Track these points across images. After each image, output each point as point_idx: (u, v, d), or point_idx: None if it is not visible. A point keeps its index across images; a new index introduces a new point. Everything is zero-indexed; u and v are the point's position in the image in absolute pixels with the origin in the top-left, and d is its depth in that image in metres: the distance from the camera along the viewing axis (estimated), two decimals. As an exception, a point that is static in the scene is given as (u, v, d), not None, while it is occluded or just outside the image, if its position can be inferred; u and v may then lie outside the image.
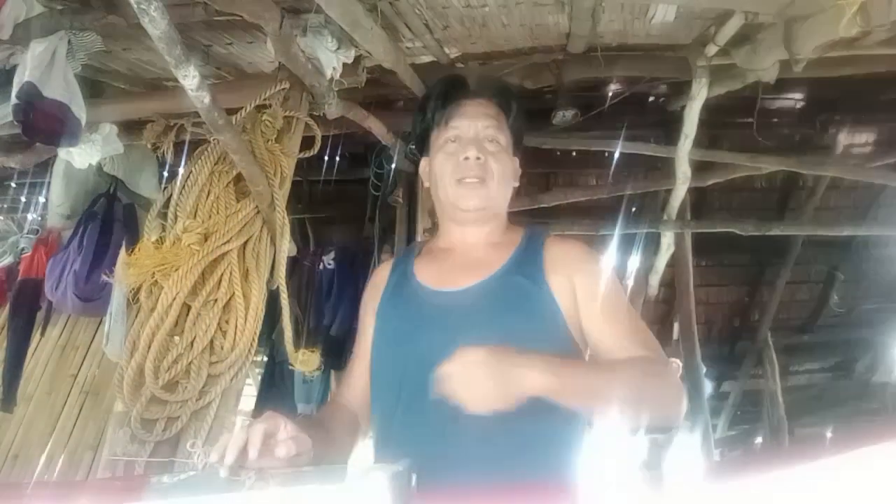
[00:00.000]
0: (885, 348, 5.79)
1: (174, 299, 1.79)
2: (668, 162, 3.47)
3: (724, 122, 3.77)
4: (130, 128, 2.92)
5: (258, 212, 2.00)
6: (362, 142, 3.42)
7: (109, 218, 3.14)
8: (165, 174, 3.25)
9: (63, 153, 2.92)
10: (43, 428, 3.15)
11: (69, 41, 2.16)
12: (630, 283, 4.27)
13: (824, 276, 5.35)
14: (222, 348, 1.88)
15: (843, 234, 4.20)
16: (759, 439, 6.12)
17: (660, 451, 3.67)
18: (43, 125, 2.11)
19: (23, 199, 4.08)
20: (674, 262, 4.09)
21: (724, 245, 4.67)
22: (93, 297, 2.93)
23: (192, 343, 1.82)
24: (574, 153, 4.24)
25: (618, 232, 3.81)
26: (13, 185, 4.00)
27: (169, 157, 2.67)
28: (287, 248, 2.06)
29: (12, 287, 3.24)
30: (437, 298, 1.21)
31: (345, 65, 2.37)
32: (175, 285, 1.79)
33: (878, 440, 0.44)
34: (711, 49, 2.61)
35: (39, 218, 3.62)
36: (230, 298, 1.89)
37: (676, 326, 4.43)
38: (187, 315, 1.84)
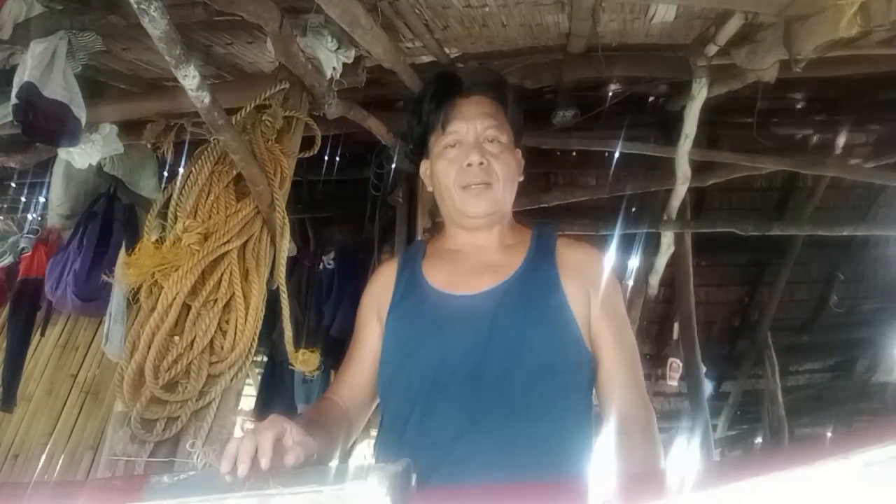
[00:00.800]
0: (885, 348, 5.79)
1: (174, 299, 1.79)
2: (668, 162, 3.47)
3: (724, 122, 3.77)
4: (130, 128, 2.92)
5: (258, 212, 1.99)
6: (362, 142, 3.42)
7: (109, 218, 3.15)
8: (165, 174, 3.26)
9: (63, 153, 2.93)
10: (43, 428, 3.15)
11: (69, 41, 2.16)
12: (630, 283, 4.27)
13: (824, 276, 5.35)
14: (222, 348, 1.88)
15: (843, 234, 4.20)
16: (759, 439, 6.12)
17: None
18: (43, 125, 2.11)
19: (23, 199, 4.08)
20: (674, 262, 4.09)
21: (724, 245, 4.67)
22: (93, 297, 2.93)
23: (192, 343, 1.82)
24: (574, 153, 4.24)
25: (618, 232, 3.81)
26: (13, 185, 4.01)
27: (169, 157, 2.68)
28: (287, 248, 2.06)
29: (12, 287, 3.24)
30: (452, 302, 1.19)
31: (345, 65, 2.37)
32: (175, 285, 1.79)
33: (879, 440, 0.44)
34: (711, 49, 2.61)
35: (39, 218, 3.62)
36: (230, 298, 1.88)
37: (676, 326, 4.44)
38: (187, 315, 1.84)
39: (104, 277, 2.48)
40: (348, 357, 1.29)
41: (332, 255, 3.96)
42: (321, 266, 3.94)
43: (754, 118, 3.23)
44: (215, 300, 1.86)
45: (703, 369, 4.00)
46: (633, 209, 4.22)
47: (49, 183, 3.36)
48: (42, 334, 3.27)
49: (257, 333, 1.94)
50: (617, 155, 3.65)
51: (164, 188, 2.04)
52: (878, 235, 4.95)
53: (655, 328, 5.45)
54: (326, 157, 3.16)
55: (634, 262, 4.26)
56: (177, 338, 1.82)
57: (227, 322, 1.89)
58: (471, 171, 1.22)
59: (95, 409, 3.18)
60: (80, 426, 3.15)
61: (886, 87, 3.37)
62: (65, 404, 3.21)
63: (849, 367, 6.14)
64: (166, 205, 1.96)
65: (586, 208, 4.35)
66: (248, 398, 4.91)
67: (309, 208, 4.33)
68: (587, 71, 2.87)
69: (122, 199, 3.25)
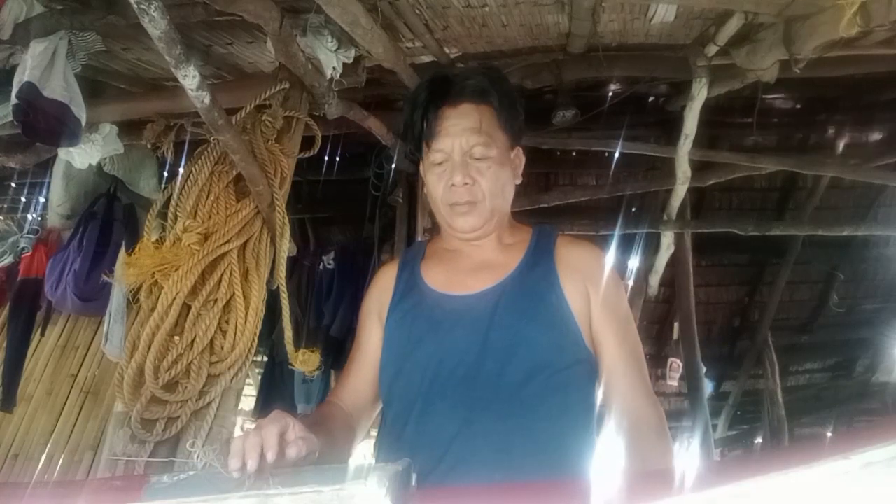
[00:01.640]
0: (885, 348, 5.79)
1: (174, 299, 1.79)
2: (668, 162, 3.47)
3: (724, 122, 3.77)
4: (130, 128, 2.92)
5: (258, 212, 1.99)
6: (362, 142, 3.42)
7: (109, 218, 3.14)
8: (165, 174, 3.26)
9: (63, 153, 2.93)
10: (43, 428, 3.15)
11: (69, 41, 2.16)
12: (630, 283, 4.27)
13: (824, 276, 5.35)
14: (222, 348, 1.88)
15: (843, 234, 4.19)
16: (759, 439, 6.12)
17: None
18: (43, 125, 2.11)
19: (23, 199, 4.08)
20: (674, 262, 4.09)
21: (724, 245, 4.67)
22: (93, 297, 2.93)
23: (192, 343, 1.82)
24: (574, 153, 4.24)
25: (618, 232, 3.81)
26: (13, 185, 4.01)
27: (169, 157, 2.68)
28: (287, 248, 2.06)
29: (12, 287, 3.24)
30: (450, 303, 1.19)
31: (345, 65, 2.37)
32: (175, 285, 1.79)
33: (879, 440, 0.44)
34: (711, 49, 2.61)
35: (39, 218, 3.62)
36: (230, 298, 1.89)
37: (676, 326, 4.44)
38: (187, 315, 1.84)
39: (104, 277, 2.49)
40: (350, 360, 1.29)
41: (332, 255, 3.96)
42: (321, 266, 3.94)
43: (754, 118, 3.23)
44: (215, 300, 1.86)
45: (703, 369, 4.00)
46: (633, 209, 4.23)
47: (49, 183, 3.36)
48: (42, 334, 3.27)
49: (257, 333, 1.94)
50: (617, 155, 3.65)
51: (164, 188, 2.04)
52: (878, 235, 4.95)
53: (655, 328, 5.45)
54: (326, 157, 3.16)
55: (634, 262, 4.26)
56: (177, 338, 1.82)
57: (227, 322, 1.89)
58: (456, 190, 1.20)
59: (95, 409, 3.18)
60: (80, 426, 3.15)
61: (886, 87, 3.37)
62: (65, 404, 3.21)
63: (849, 367, 6.15)
64: (166, 205, 1.96)
65: (586, 208, 4.35)
66: (248, 398, 4.92)
67: (309, 208, 4.33)
68: (587, 71, 2.87)
69: (122, 199, 3.25)
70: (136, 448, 1.77)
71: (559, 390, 1.10)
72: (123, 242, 2.91)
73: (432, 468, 1.02)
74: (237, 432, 2.47)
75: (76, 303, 2.98)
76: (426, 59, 2.79)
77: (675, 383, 4.73)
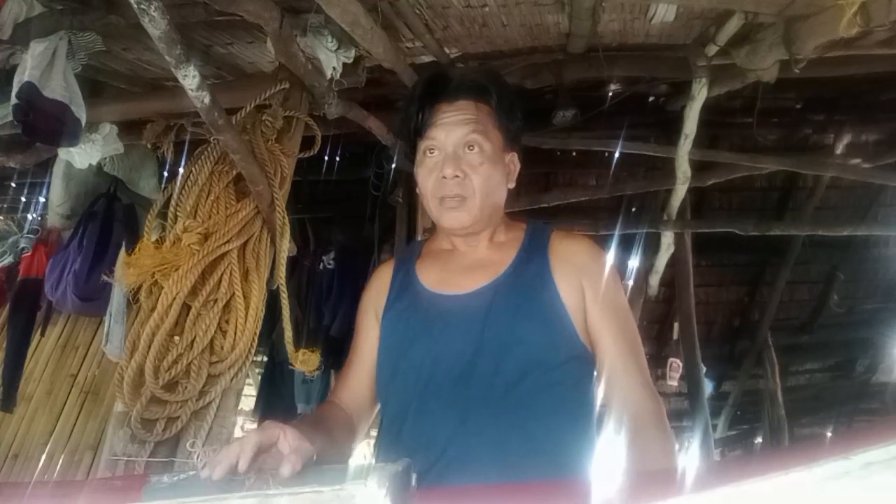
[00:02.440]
0: (885, 348, 5.79)
1: (174, 299, 1.79)
2: (668, 162, 3.47)
3: (724, 122, 3.78)
4: (130, 128, 2.93)
5: (258, 212, 1.99)
6: (362, 142, 3.42)
7: (109, 218, 3.14)
8: (165, 174, 3.26)
9: (63, 153, 2.93)
10: (43, 428, 3.15)
11: (69, 41, 2.16)
12: (630, 283, 4.27)
13: (824, 276, 5.35)
14: (222, 348, 1.88)
15: (843, 234, 4.20)
16: (759, 439, 6.12)
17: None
18: (43, 125, 2.11)
19: (23, 199, 4.09)
20: (674, 262, 4.09)
21: (724, 245, 4.68)
22: (93, 297, 2.93)
23: (192, 343, 1.82)
24: (574, 153, 4.24)
25: (618, 232, 3.81)
26: (13, 185, 4.01)
27: (169, 157, 2.68)
28: (287, 248, 2.06)
29: (12, 287, 3.24)
30: (443, 302, 1.18)
31: (345, 65, 2.37)
32: (175, 285, 1.79)
33: (879, 440, 0.44)
34: (711, 49, 2.61)
35: (39, 218, 3.62)
36: (230, 298, 1.89)
37: (676, 326, 4.44)
38: (187, 315, 1.84)
39: (104, 277, 2.48)
40: (349, 360, 1.28)
41: (332, 255, 3.96)
42: (321, 266, 3.95)
43: (754, 118, 3.23)
44: (215, 300, 1.87)
45: (703, 369, 4.00)
46: (633, 209, 4.23)
47: (49, 183, 3.36)
48: (42, 334, 3.27)
49: (257, 333, 1.94)
50: (617, 155, 3.65)
51: (164, 188, 2.04)
52: (878, 235, 4.95)
53: (655, 328, 5.46)
54: (326, 157, 3.16)
55: (634, 262, 4.27)
56: (177, 338, 1.83)
57: (227, 322, 1.89)
58: (446, 183, 1.17)
59: (95, 409, 3.18)
60: (80, 426, 3.15)
61: (886, 87, 3.37)
62: (65, 404, 3.21)
63: (849, 367, 6.15)
64: (166, 205, 1.97)
65: (586, 208, 4.36)
66: (248, 398, 4.92)
67: (309, 208, 4.33)
68: (587, 71, 2.87)
69: (122, 199, 3.25)
70: (136, 448, 1.77)
71: (554, 387, 1.09)
72: (123, 242, 2.90)
73: (429, 467, 1.02)
74: (237, 432, 2.47)
75: (76, 303, 2.98)
76: (426, 59, 2.79)
77: (675, 383, 4.72)
